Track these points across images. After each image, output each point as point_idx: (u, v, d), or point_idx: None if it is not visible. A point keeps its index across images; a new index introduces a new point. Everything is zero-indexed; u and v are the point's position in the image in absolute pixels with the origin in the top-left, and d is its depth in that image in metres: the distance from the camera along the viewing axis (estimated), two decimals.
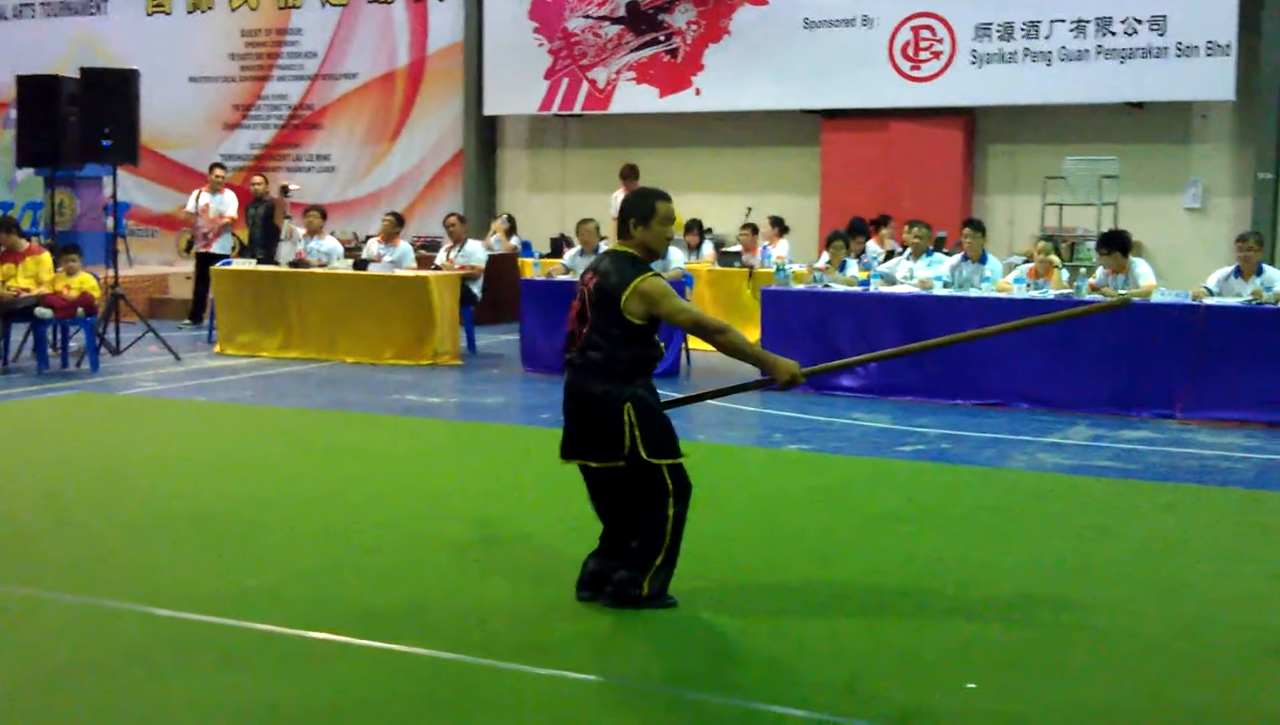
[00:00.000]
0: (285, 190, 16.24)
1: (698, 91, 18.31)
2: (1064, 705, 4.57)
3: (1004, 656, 5.05)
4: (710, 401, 7.96)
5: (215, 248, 16.05)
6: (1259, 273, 10.74)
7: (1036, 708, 4.55)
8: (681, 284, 13.00)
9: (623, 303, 5.36)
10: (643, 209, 5.58)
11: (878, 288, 11.72)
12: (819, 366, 6.27)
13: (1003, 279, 11.68)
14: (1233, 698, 4.66)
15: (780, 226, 15.65)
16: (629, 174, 16.29)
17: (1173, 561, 6.45)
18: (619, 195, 15.78)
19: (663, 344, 5.65)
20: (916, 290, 11.56)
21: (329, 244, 14.85)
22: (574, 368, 5.52)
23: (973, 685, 4.73)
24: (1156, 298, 10.76)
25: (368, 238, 16.14)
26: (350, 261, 14.38)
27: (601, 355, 5.39)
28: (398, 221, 14.89)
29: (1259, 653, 5.14)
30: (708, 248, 16.01)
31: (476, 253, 14.60)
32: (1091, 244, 15.76)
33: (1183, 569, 6.32)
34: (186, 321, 16.61)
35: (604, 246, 13.46)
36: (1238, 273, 10.84)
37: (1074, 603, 5.74)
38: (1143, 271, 11.12)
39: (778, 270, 12.54)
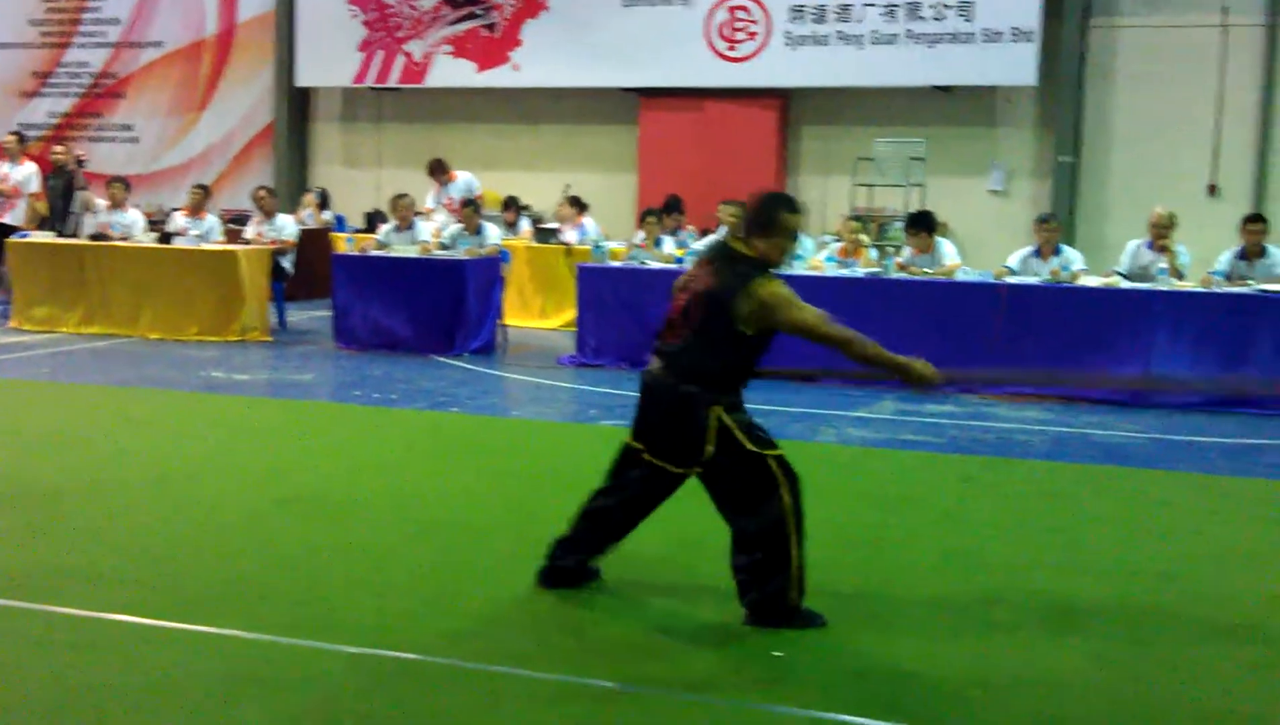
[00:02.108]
0: (80, 161, 15.63)
1: (516, 67, 18.20)
2: (865, 668, 4.66)
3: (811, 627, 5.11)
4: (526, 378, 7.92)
5: (8, 219, 15.38)
6: (1057, 253, 11.12)
7: (834, 672, 4.62)
8: (498, 260, 12.93)
9: (736, 309, 4.93)
10: (768, 217, 5.10)
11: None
12: (958, 373, 5.60)
13: (814, 257, 11.87)
14: (1025, 662, 4.80)
15: (579, 205, 15.62)
16: (437, 169, 15.60)
17: (971, 530, 6.64)
18: (437, 192, 15.51)
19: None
20: None
21: (131, 216, 14.37)
22: (665, 362, 5.09)
23: (780, 654, 4.79)
24: (960, 277, 11.07)
25: (173, 210, 15.67)
26: (155, 235, 13.94)
27: (698, 359, 4.99)
28: (204, 193, 14.49)
29: (1050, 617, 5.31)
30: (525, 225, 15.92)
31: (287, 227, 14.28)
32: (900, 224, 16.15)
33: (980, 537, 6.50)
34: None
35: (420, 222, 13.37)
36: (1037, 253, 11.20)
37: (876, 571, 5.87)
38: (947, 251, 11.46)
39: (594, 247, 12.55)
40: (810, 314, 5.04)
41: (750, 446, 5.00)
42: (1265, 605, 5.53)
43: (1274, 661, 4.87)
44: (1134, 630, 5.16)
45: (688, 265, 11.68)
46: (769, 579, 5.02)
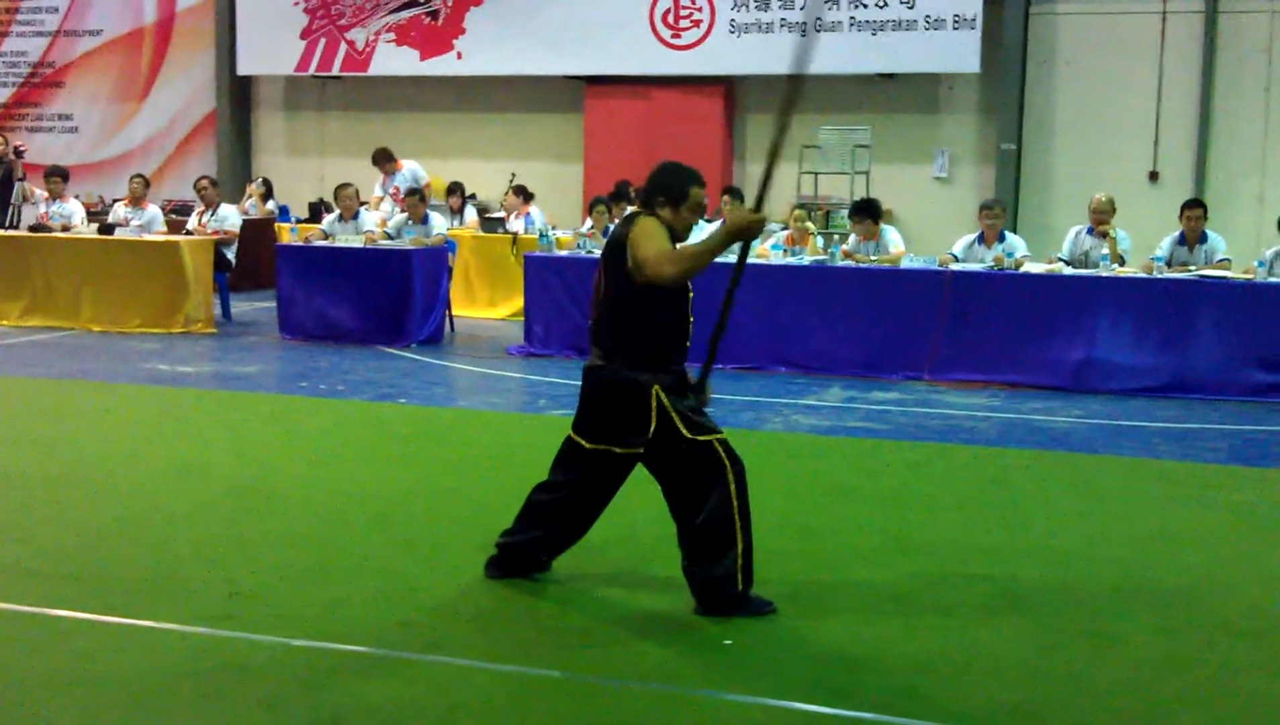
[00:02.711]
0: (18, 151, 15.42)
1: (459, 55, 18.09)
2: (814, 655, 4.69)
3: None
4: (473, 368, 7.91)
5: None
6: (1001, 239, 11.21)
7: (784, 660, 4.65)
8: (444, 249, 12.88)
9: (628, 254, 4.86)
10: (675, 190, 5.03)
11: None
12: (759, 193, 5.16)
13: (761, 245, 11.90)
14: (972, 645, 4.85)
15: (525, 195, 15.58)
16: (382, 157, 15.57)
17: (916, 516, 6.69)
18: (383, 181, 15.44)
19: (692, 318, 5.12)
20: None
21: (70, 207, 14.20)
22: (592, 342, 5.09)
23: (729, 642, 4.82)
24: (905, 264, 11.13)
25: (114, 201, 15.49)
26: (95, 226, 13.78)
27: (616, 329, 4.96)
28: (145, 184, 14.34)
29: (997, 601, 5.37)
30: (470, 213, 15.86)
31: (230, 217, 14.17)
32: (846, 212, 16.20)
33: (926, 523, 6.55)
34: None
35: (365, 211, 13.30)
36: (981, 240, 11.29)
37: (824, 558, 5.91)
38: (892, 239, 11.54)
39: (541, 236, 12.53)
40: (652, 249, 4.82)
41: (687, 433, 4.99)
42: (1206, 587, 5.61)
43: (1216, 641, 4.94)
44: (1079, 613, 5.22)
45: None
46: (716, 567, 5.03)
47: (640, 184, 15.38)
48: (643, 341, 5.01)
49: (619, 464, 5.18)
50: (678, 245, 4.97)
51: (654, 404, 4.97)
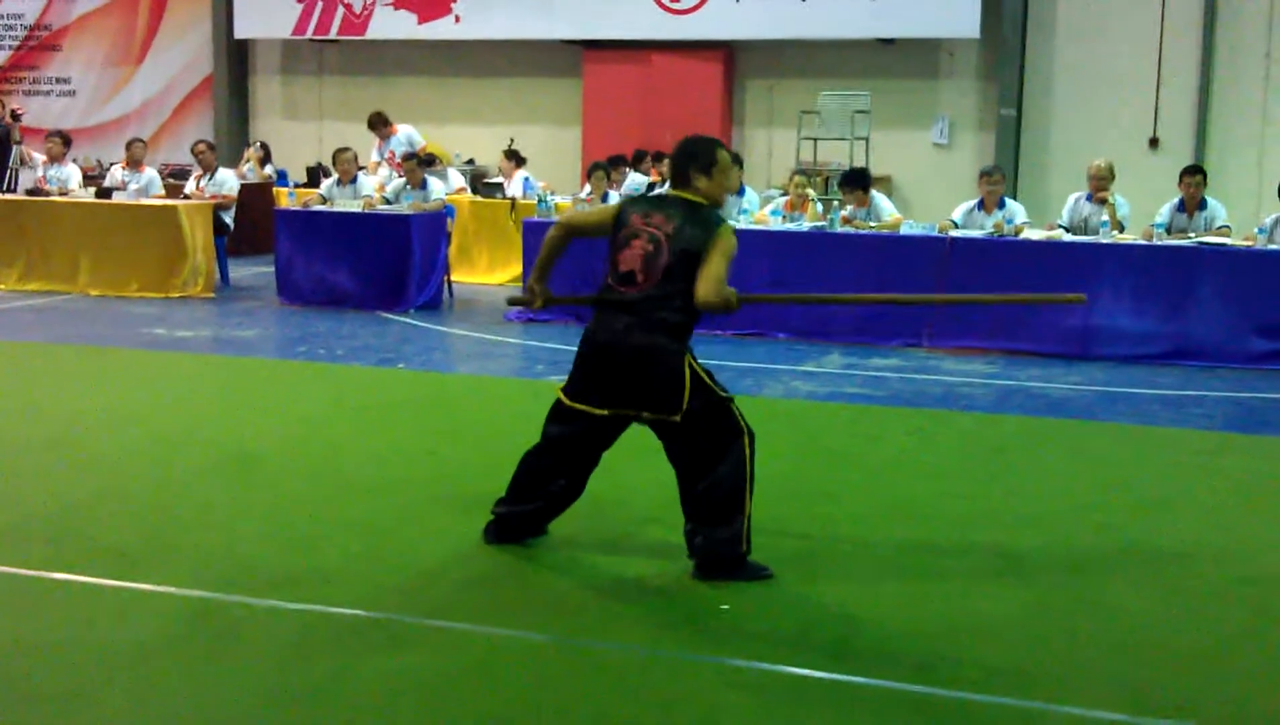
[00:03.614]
0: (15, 115, 15.35)
1: (457, 19, 18.00)
2: (810, 620, 4.71)
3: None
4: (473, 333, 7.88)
5: None
6: (1001, 206, 11.18)
7: (780, 625, 4.67)
8: (443, 214, 12.85)
9: (708, 255, 4.96)
10: (705, 158, 5.15)
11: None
12: (752, 296, 5.60)
13: (760, 211, 11.88)
14: (968, 611, 4.87)
15: (517, 159, 15.51)
16: (378, 122, 15.36)
17: (914, 482, 6.69)
18: (379, 146, 15.36)
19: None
20: None
21: (68, 170, 14.16)
22: (628, 312, 5.02)
23: (726, 606, 4.83)
24: (905, 230, 11.11)
25: (111, 165, 15.44)
26: (92, 189, 13.74)
27: (667, 306, 4.97)
28: (143, 147, 14.30)
29: (993, 567, 5.38)
30: (457, 178, 15.70)
31: (228, 181, 14.13)
32: None
33: (923, 489, 6.56)
34: None
35: (363, 176, 13.26)
36: (981, 206, 11.26)
37: (821, 524, 5.91)
38: (884, 206, 11.54)
39: (539, 201, 12.50)
40: (722, 271, 5.02)
41: (720, 393, 5.06)
42: (1202, 553, 5.62)
43: (1211, 608, 4.95)
44: (1073, 579, 5.24)
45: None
46: (719, 530, 5.05)
47: (638, 147, 15.40)
48: (686, 319, 5.06)
49: (620, 427, 5.20)
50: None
51: (688, 372, 5.00)
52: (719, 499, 5.05)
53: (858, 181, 11.60)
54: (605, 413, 5.12)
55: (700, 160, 5.16)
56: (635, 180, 14.53)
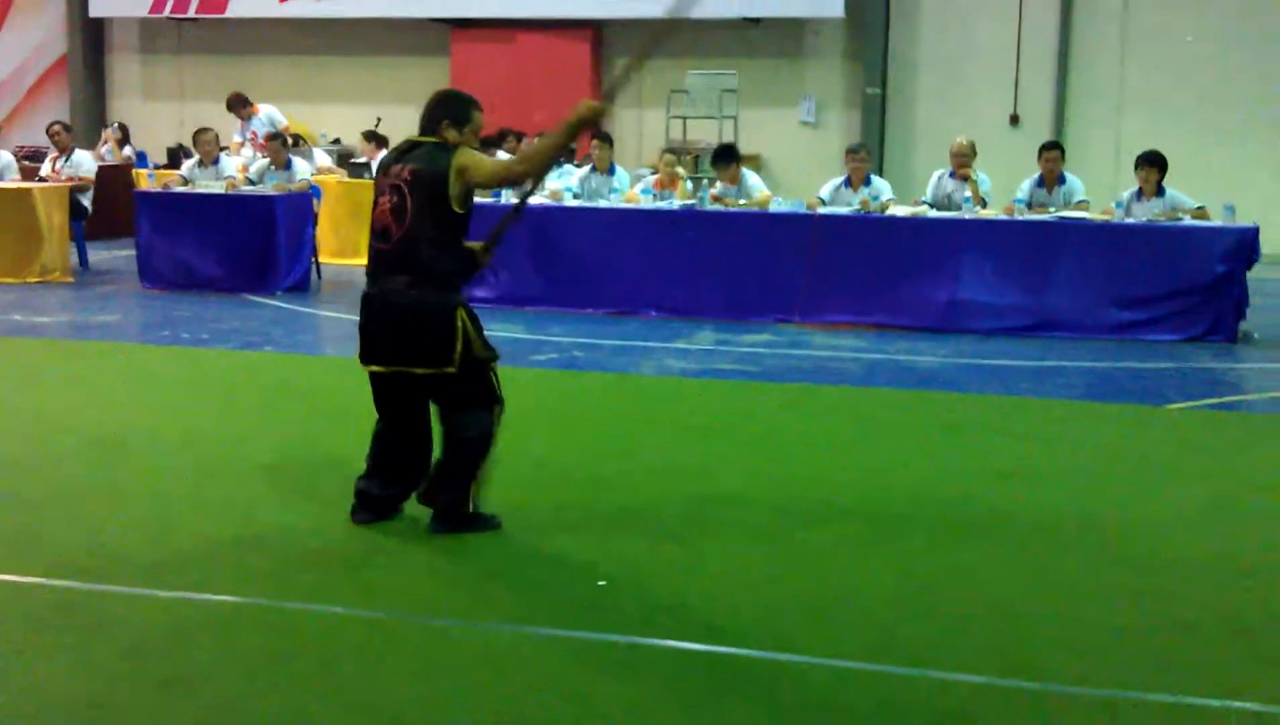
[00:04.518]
0: None
1: None
2: (683, 594, 4.73)
3: (635, 555, 5.16)
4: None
5: None
6: (867, 183, 11.33)
7: (654, 599, 4.69)
8: (309, 195, 12.65)
9: (451, 181, 5.04)
10: (459, 113, 5.26)
11: (510, 199, 11.70)
12: (617, 80, 5.71)
13: (630, 190, 11.89)
14: (836, 579, 4.94)
15: (377, 140, 15.34)
16: (237, 103, 15.04)
17: (787, 456, 6.77)
18: (241, 127, 15.04)
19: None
20: (547, 201, 11.62)
21: None
22: (390, 266, 5.12)
23: (603, 583, 4.84)
24: (774, 208, 11.20)
25: None
26: None
27: (426, 251, 5.05)
28: None
29: (861, 538, 5.46)
30: (322, 157, 15.48)
31: (85, 163, 13.77)
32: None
33: (796, 463, 6.64)
34: None
35: (225, 157, 13.00)
36: (848, 183, 11.40)
37: (691, 499, 5.94)
38: (754, 182, 11.63)
39: None
40: (497, 164, 5.21)
41: (484, 354, 5.21)
42: (1064, 520, 5.75)
43: (1072, 571, 5.07)
44: (942, 548, 5.33)
45: (504, 200, 11.62)
46: (448, 489, 5.25)
47: (502, 126, 15.30)
48: (454, 267, 5.18)
49: (418, 386, 5.25)
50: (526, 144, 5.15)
51: (459, 324, 5.11)
52: (456, 459, 5.23)
53: (729, 156, 11.66)
54: (383, 370, 5.24)
55: (455, 114, 5.28)
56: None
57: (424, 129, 5.31)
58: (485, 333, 5.32)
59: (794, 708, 3.90)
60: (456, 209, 5.11)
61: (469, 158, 5.10)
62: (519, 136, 14.59)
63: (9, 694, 3.90)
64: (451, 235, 5.15)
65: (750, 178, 11.68)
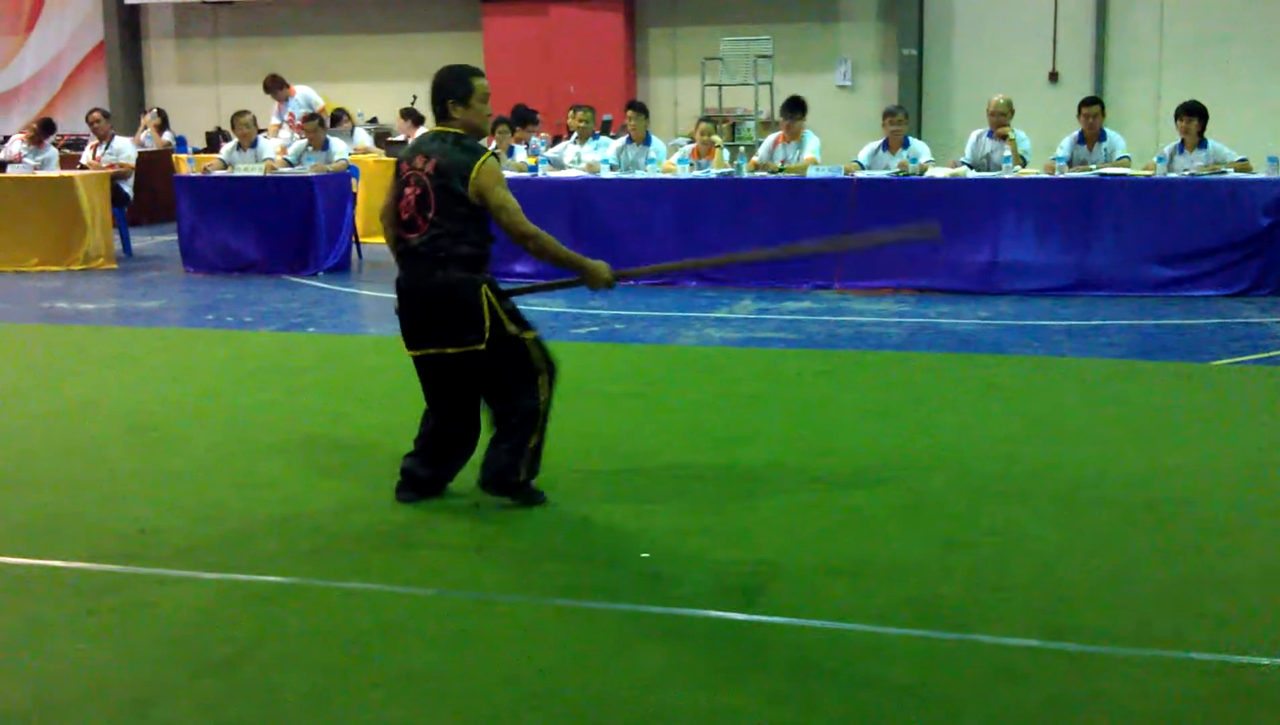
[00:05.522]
0: None
1: None
2: (726, 564, 4.74)
3: (672, 524, 5.18)
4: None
5: None
6: (905, 146, 11.25)
7: (697, 570, 4.69)
8: (347, 175, 12.70)
9: (471, 182, 5.14)
10: (459, 88, 5.32)
11: (545, 173, 11.72)
12: (630, 271, 6.00)
13: (667, 160, 11.86)
14: (880, 547, 4.93)
15: (414, 117, 15.35)
16: (274, 85, 15.14)
17: (828, 423, 6.76)
18: (278, 109, 15.11)
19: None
20: (584, 174, 11.62)
21: None
22: (417, 256, 5.23)
23: (646, 554, 4.85)
24: (812, 173, 11.13)
25: (6, 138, 15.08)
26: None
27: (451, 242, 5.16)
28: (48, 128, 14.08)
29: (903, 503, 5.44)
30: (362, 136, 15.53)
31: (125, 149, 13.87)
32: (751, 123, 16.20)
33: (837, 430, 6.63)
34: None
35: (263, 139, 13.05)
36: (885, 146, 11.32)
37: (733, 468, 5.95)
38: (810, 142, 11.52)
39: None
40: (513, 200, 5.23)
41: (515, 330, 5.25)
42: (1107, 480, 5.71)
43: (1117, 533, 5.05)
44: (984, 511, 5.31)
45: (541, 173, 11.62)
46: (502, 454, 5.28)
47: (539, 102, 15.25)
48: (478, 251, 5.25)
49: (458, 369, 5.30)
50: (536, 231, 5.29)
51: (483, 301, 5.18)
52: (510, 427, 5.28)
53: (799, 107, 11.54)
54: (421, 353, 5.32)
55: (456, 90, 5.32)
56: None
57: (437, 116, 5.40)
58: (520, 308, 5.34)
59: (837, 674, 3.90)
60: (476, 203, 5.21)
61: (487, 180, 5.18)
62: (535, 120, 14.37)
63: (53, 677, 3.95)
64: (474, 225, 5.23)
65: (811, 140, 11.56)
